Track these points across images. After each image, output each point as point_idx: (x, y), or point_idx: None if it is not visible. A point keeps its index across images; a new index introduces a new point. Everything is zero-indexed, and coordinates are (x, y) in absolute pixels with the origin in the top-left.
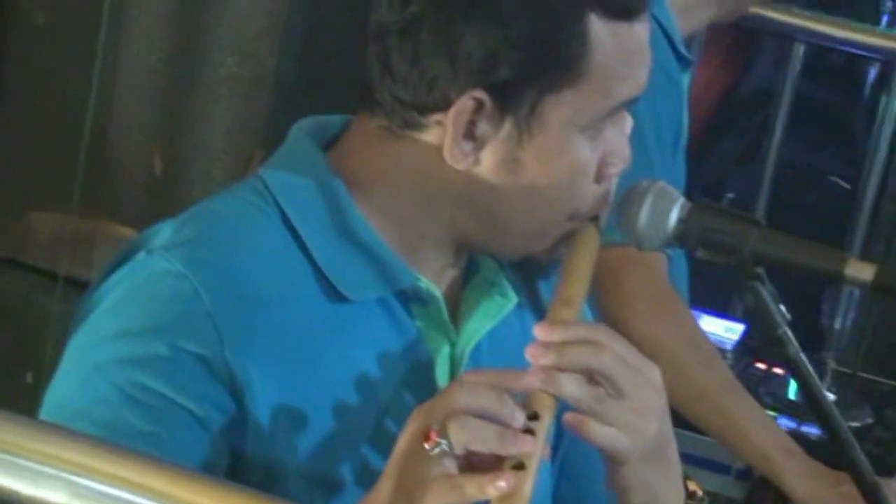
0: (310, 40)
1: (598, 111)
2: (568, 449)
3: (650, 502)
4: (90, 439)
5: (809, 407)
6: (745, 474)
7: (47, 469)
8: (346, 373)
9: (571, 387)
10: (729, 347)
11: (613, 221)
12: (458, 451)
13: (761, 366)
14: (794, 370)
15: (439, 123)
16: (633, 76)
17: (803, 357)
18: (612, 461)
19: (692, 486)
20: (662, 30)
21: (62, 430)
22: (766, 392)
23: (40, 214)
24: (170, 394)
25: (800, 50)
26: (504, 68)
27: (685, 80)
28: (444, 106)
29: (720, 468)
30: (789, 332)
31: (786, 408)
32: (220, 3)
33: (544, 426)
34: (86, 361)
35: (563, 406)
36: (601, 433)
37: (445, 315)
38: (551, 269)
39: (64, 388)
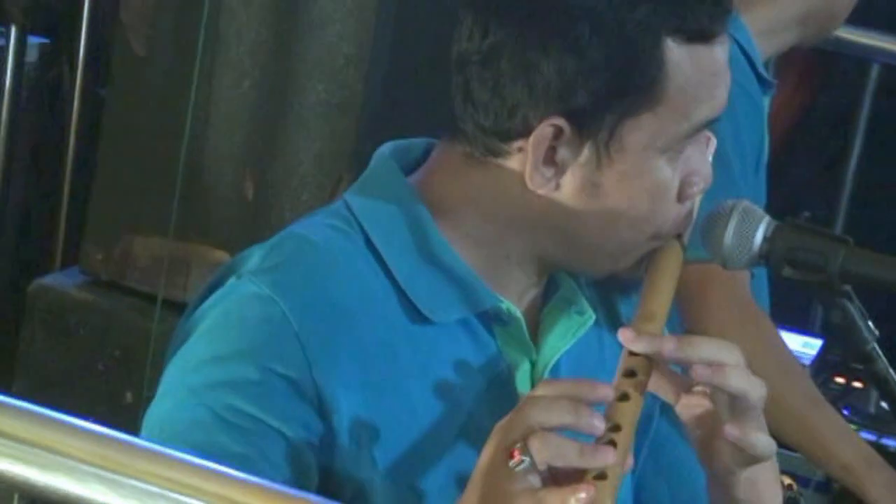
0: (395, 68)
1: (678, 133)
2: (662, 452)
3: (754, 498)
4: (193, 459)
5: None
6: (825, 487)
7: (152, 487)
8: (429, 391)
9: (739, 380)
10: (807, 362)
11: (699, 240)
12: (541, 467)
13: (840, 380)
14: (883, 385)
15: (520, 150)
16: (712, 98)
17: (892, 372)
18: (741, 462)
19: (786, 479)
20: (743, 52)
21: (166, 450)
22: (845, 406)
23: (140, 239)
24: (261, 416)
25: (874, 70)
26: (581, 95)
27: (766, 102)
28: (525, 133)
29: (800, 481)
30: (878, 349)
31: (866, 421)
32: (310, 33)
33: (627, 436)
34: (182, 386)
35: (645, 412)
36: (748, 435)
37: (526, 334)
38: (632, 289)
39: (162, 411)
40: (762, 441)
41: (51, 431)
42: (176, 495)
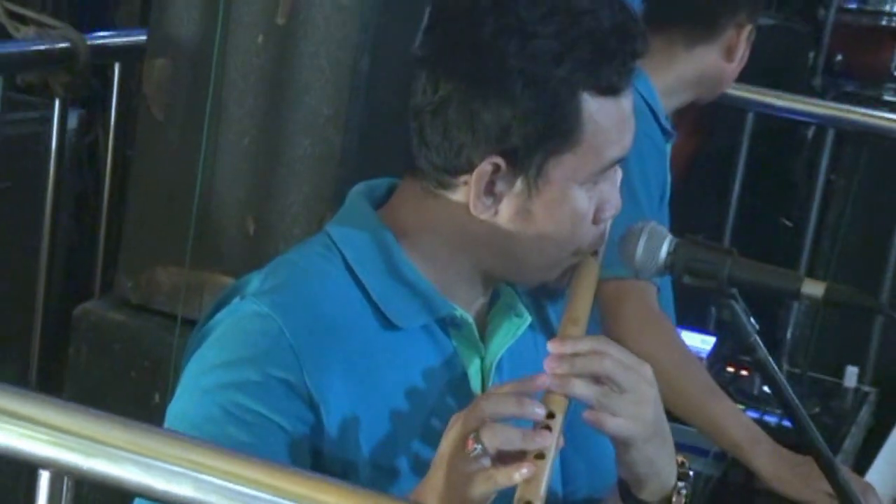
0: (367, 125)
1: (593, 169)
2: (579, 434)
3: (652, 474)
4: (209, 444)
5: (777, 399)
6: (721, 456)
7: (176, 468)
8: (400, 385)
9: (582, 388)
10: (704, 356)
11: (615, 257)
12: (492, 452)
13: (731, 369)
14: (764, 370)
15: (465, 183)
16: (620, 140)
17: (770, 359)
18: (622, 445)
19: (679, 458)
20: (649, 107)
21: (187, 437)
22: (735, 390)
23: (162, 269)
24: (263, 411)
25: (751, 117)
26: (515, 138)
27: (668, 148)
28: (469, 169)
29: (700, 452)
30: (759, 340)
31: (751, 402)
32: (296, 99)
33: (559, 422)
34: (196, 386)
35: (575, 405)
36: (613, 424)
37: (476, 335)
38: (558, 296)
39: (180, 408)
40: (630, 428)
41: (93, 425)
42: (195, 473)
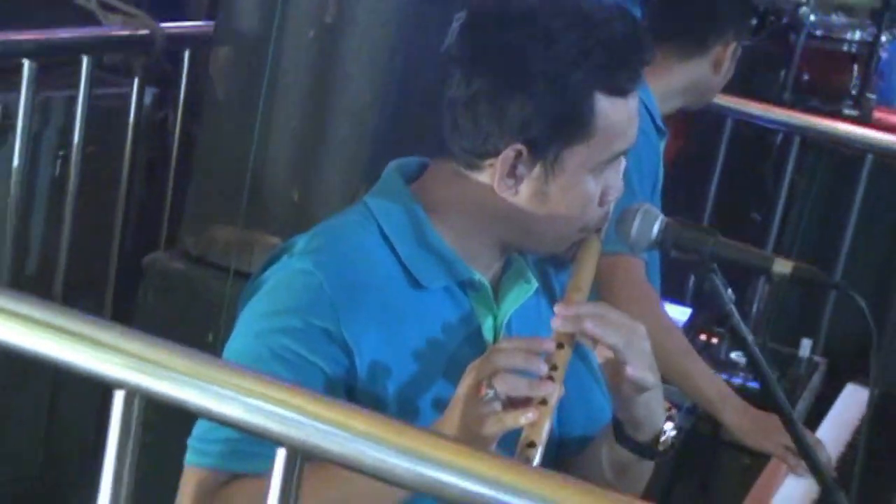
0: (399, 111)
1: (602, 159)
2: (577, 386)
3: (647, 416)
4: (257, 373)
5: (747, 359)
6: (692, 410)
7: (229, 392)
8: (423, 336)
9: (612, 337)
10: (680, 325)
11: (614, 235)
12: (502, 397)
13: (703, 337)
14: (736, 335)
15: (491, 166)
16: (626, 135)
17: (743, 325)
18: (633, 391)
19: (666, 404)
20: (646, 108)
21: (238, 367)
22: (706, 356)
23: (219, 228)
24: (304, 353)
25: (729, 123)
26: (536, 129)
27: (662, 145)
28: (495, 154)
29: (675, 405)
30: (734, 309)
31: (720, 366)
32: (339, 87)
33: (561, 375)
34: (248, 330)
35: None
36: (636, 372)
37: (490, 297)
38: (563, 266)
39: (235, 347)
40: (649, 377)
41: (162, 352)
42: (245, 398)
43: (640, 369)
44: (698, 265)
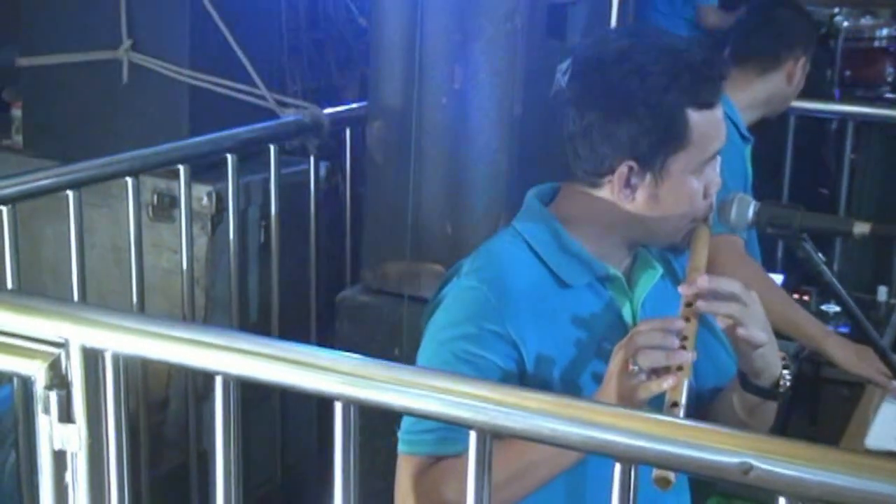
0: (523, 150)
1: (700, 161)
2: (707, 347)
3: (766, 366)
4: (446, 373)
5: (842, 308)
6: (796, 356)
7: (425, 392)
8: (575, 325)
9: (727, 307)
10: None
11: (717, 220)
12: (646, 369)
13: (795, 296)
14: (830, 289)
15: (609, 182)
16: (717, 138)
17: (834, 279)
18: (751, 347)
19: (781, 354)
20: (731, 120)
21: (431, 371)
22: None
23: (391, 263)
24: (482, 353)
25: (792, 120)
26: (643, 146)
27: (748, 150)
28: (611, 171)
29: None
30: (826, 269)
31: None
32: (472, 138)
33: (692, 343)
34: (433, 340)
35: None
36: (753, 334)
37: (625, 286)
38: (681, 252)
39: (425, 356)
40: (761, 335)
41: (367, 368)
42: (438, 395)
43: (753, 329)
44: (790, 236)
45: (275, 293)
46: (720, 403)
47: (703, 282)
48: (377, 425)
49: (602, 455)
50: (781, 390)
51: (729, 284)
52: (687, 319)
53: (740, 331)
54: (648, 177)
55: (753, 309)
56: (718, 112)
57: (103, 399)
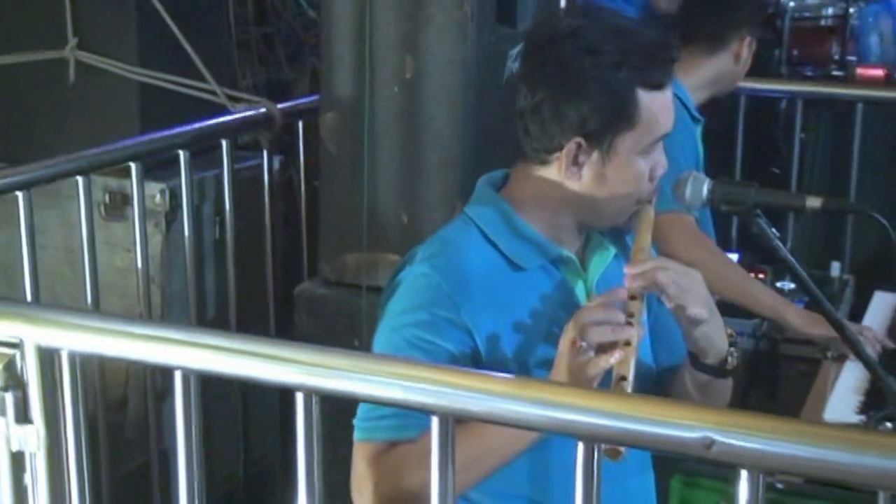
0: (476, 137)
1: (647, 142)
2: (658, 323)
3: (711, 345)
4: (405, 359)
5: (796, 282)
6: (753, 333)
7: (386, 378)
8: (528, 308)
9: (667, 287)
10: None
11: (665, 197)
12: (593, 346)
13: (751, 274)
14: (784, 265)
15: (558, 160)
16: (665, 121)
17: (789, 255)
18: (691, 326)
19: (729, 330)
20: (681, 101)
21: (390, 358)
22: None
23: (348, 255)
24: (436, 340)
25: (743, 100)
26: (591, 124)
27: (698, 130)
28: (559, 149)
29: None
30: (780, 243)
31: None
32: (426, 127)
33: (638, 320)
34: (387, 328)
35: (649, 305)
36: (692, 311)
37: (578, 267)
38: (628, 233)
39: (379, 343)
40: (701, 313)
41: (326, 357)
42: (398, 381)
43: (692, 308)
44: (745, 213)
45: (231, 289)
46: (675, 383)
47: (647, 264)
48: (341, 416)
49: (564, 435)
50: (729, 368)
51: (670, 265)
52: (633, 297)
53: (678, 309)
54: (595, 155)
55: (693, 289)
56: (668, 94)
57: (61, 399)
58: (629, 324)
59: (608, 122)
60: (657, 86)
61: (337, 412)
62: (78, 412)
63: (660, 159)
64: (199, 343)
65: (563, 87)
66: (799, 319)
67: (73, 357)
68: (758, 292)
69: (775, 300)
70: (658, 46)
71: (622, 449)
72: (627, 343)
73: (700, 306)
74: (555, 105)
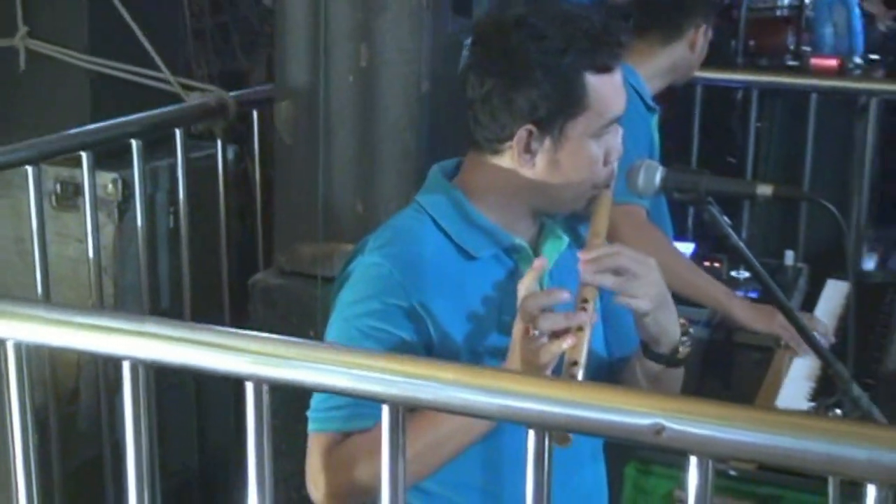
0: (432, 127)
1: (599, 126)
2: (610, 316)
3: (663, 333)
4: (355, 349)
5: (748, 270)
6: (707, 324)
7: (336, 368)
8: (479, 296)
9: (607, 280)
10: (687, 256)
11: (623, 188)
12: (546, 332)
13: (707, 263)
14: (736, 253)
15: (510, 148)
16: (616, 104)
17: (741, 242)
18: (640, 315)
19: (681, 319)
20: (635, 91)
21: (340, 347)
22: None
23: (303, 245)
24: (388, 328)
25: (699, 89)
26: (541, 111)
27: (654, 119)
28: (511, 137)
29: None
30: (732, 231)
31: (723, 284)
32: (381, 116)
33: (592, 306)
34: (339, 317)
35: (603, 294)
36: (634, 302)
37: (531, 255)
38: (585, 219)
39: (331, 333)
40: (643, 303)
41: (277, 347)
42: (349, 370)
43: (638, 299)
44: (697, 201)
45: (186, 279)
46: (626, 373)
47: (601, 251)
48: (298, 408)
49: (515, 423)
50: (680, 357)
51: (625, 252)
52: (586, 284)
53: (624, 298)
54: (548, 141)
55: (647, 276)
56: (617, 77)
57: (6, 391)
58: (583, 310)
59: (558, 107)
60: (605, 69)
61: (293, 403)
62: (24, 405)
63: (614, 143)
64: (146, 333)
65: (511, 76)
66: (743, 313)
67: (18, 347)
68: (704, 284)
69: (721, 293)
70: (604, 30)
71: (570, 435)
72: (580, 328)
73: (647, 297)
74: (504, 93)
